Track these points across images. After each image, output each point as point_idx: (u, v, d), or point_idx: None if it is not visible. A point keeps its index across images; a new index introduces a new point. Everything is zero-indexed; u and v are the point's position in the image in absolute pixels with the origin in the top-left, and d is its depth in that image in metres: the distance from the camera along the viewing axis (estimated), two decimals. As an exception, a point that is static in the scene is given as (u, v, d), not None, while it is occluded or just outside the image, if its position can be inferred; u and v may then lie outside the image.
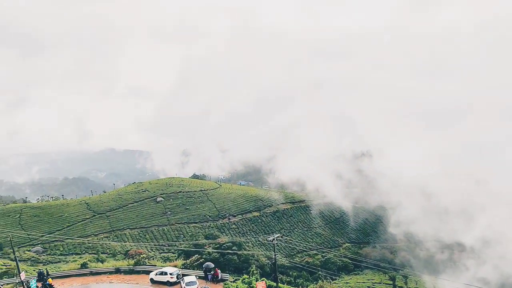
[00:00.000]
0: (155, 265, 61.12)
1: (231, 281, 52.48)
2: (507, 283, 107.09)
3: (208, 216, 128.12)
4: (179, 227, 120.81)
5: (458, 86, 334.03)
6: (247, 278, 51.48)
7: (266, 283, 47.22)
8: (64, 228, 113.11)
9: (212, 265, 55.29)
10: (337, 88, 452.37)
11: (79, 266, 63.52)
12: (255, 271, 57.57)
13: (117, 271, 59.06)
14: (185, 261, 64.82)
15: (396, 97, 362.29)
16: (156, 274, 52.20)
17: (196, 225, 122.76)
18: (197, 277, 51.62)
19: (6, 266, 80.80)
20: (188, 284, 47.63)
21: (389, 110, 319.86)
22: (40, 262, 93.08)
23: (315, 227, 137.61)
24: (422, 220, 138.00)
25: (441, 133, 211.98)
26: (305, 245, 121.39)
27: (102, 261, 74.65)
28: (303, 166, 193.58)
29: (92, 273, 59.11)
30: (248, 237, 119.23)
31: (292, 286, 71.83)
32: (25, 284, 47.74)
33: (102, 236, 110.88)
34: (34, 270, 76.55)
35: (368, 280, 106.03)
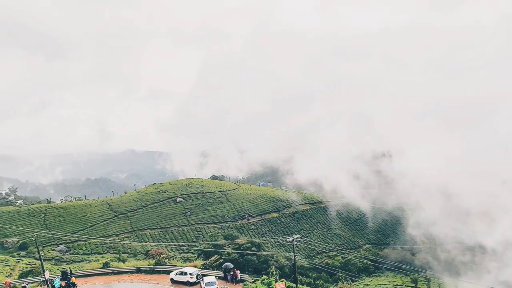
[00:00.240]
0: (175, 265, 61.67)
1: (250, 282, 52.51)
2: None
3: (227, 217, 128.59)
4: (199, 227, 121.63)
5: (481, 84, 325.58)
6: (266, 279, 51.39)
7: (285, 284, 47.04)
8: (87, 228, 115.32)
9: (231, 266, 55.45)
10: (356, 88, 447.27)
11: (101, 265, 64.65)
12: (274, 272, 57.46)
13: (138, 270, 59.86)
14: (204, 262, 65.27)
15: (417, 96, 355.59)
16: (176, 274, 52.62)
17: (215, 225, 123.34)
18: (217, 278, 51.83)
19: (31, 265, 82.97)
20: (207, 284, 47.83)
21: (410, 109, 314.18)
22: (64, 261, 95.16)
23: (335, 228, 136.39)
24: (443, 221, 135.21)
25: (464, 132, 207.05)
26: (324, 246, 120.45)
27: (123, 261, 75.83)
28: (321, 166, 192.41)
29: (114, 273, 60.06)
30: (267, 238, 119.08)
31: (312, 287, 71.48)
32: (50, 282, 48.81)
33: (123, 236, 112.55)
34: (58, 269, 78.43)
35: (389, 282, 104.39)
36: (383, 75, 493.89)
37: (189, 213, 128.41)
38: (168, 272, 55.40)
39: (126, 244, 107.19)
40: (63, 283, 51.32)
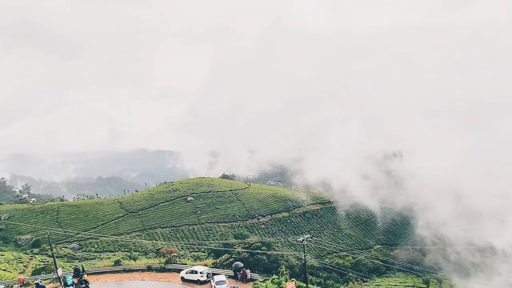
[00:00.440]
0: (186, 264, 61.91)
1: (260, 281, 52.46)
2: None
3: (237, 216, 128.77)
4: (209, 226, 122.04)
5: (494, 83, 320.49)
6: (276, 278, 51.32)
7: (295, 283, 46.94)
8: (99, 226, 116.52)
9: (241, 265, 55.47)
10: (368, 87, 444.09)
11: (113, 263, 65.21)
12: (284, 272, 57.30)
13: (149, 269, 60.24)
14: (215, 260, 65.44)
15: (429, 95, 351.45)
16: (187, 273, 52.80)
17: (225, 224, 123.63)
18: (227, 276, 51.93)
19: (44, 262, 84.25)
20: (218, 283, 47.89)
21: (421, 108, 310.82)
22: (76, 259, 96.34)
23: (345, 228, 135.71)
24: (453, 222, 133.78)
25: (476, 132, 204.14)
26: (335, 246, 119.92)
27: (134, 259, 76.45)
28: (331, 166, 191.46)
29: (125, 270, 60.54)
30: (278, 238, 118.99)
31: (322, 287, 71.17)
32: (62, 279, 49.41)
33: (134, 235, 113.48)
34: (70, 266, 79.40)
35: (400, 283, 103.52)
36: (395, 74, 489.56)
37: (199, 212, 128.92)
38: (179, 271, 55.65)
39: (137, 242, 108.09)
40: (75, 280, 51.95)
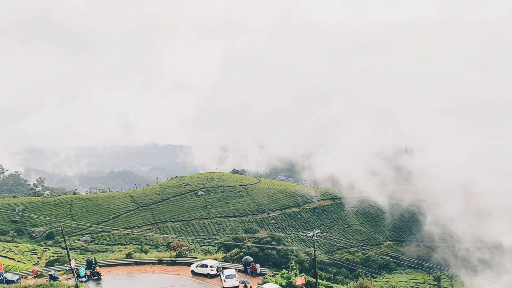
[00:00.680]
0: (196, 258, 62.29)
1: (270, 276, 52.66)
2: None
3: (247, 211, 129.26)
4: (219, 220, 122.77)
5: (510, 79, 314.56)
6: (286, 273, 51.36)
7: (305, 278, 47.03)
8: (111, 219, 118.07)
9: (251, 259, 55.68)
10: (380, 83, 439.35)
11: (124, 256, 65.96)
12: (294, 267, 57.32)
13: (160, 262, 60.77)
14: (225, 254, 65.69)
15: (443, 91, 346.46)
16: (197, 266, 53.19)
17: (235, 219, 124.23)
18: (237, 270, 52.20)
19: (57, 254, 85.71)
20: (227, 277, 48.18)
21: (435, 105, 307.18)
22: (89, 251, 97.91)
23: (356, 224, 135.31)
24: (462, 219, 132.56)
25: (490, 130, 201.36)
26: (345, 242, 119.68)
27: (145, 252, 77.28)
28: (340, 162, 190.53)
29: (137, 263, 61.19)
30: (287, 233, 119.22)
31: (331, 283, 71.08)
32: (75, 271, 50.20)
33: (145, 228, 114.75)
34: (83, 259, 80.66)
35: (411, 279, 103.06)
36: (408, 69, 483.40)
37: (210, 206, 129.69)
38: (189, 264, 56.06)
39: (148, 235, 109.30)
40: (88, 272, 52.85)
